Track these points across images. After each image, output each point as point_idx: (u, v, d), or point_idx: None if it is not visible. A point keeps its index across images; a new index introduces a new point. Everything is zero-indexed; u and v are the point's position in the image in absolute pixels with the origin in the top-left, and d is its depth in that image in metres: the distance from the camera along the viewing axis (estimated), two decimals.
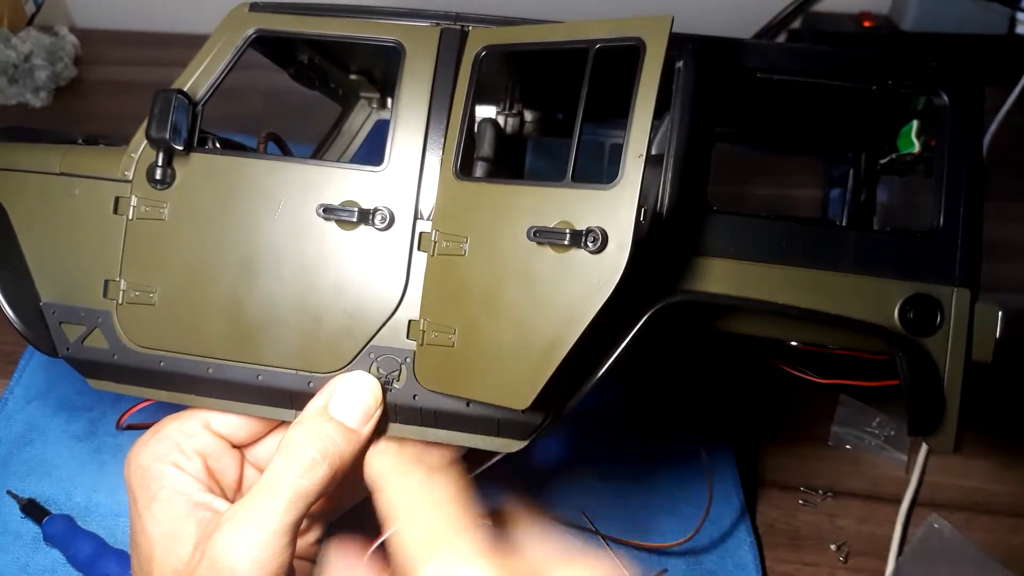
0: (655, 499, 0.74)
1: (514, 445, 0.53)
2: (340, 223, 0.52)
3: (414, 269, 0.52)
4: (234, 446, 0.57)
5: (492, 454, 0.56)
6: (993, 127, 1.11)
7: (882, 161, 0.69)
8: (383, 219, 0.52)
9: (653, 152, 0.55)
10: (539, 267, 0.46)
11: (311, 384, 0.52)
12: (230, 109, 0.63)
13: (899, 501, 0.76)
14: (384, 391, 0.52)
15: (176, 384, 0.55)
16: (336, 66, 0.72)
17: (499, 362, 0.47)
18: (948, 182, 0.52)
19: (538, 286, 0.46)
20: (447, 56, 0.53)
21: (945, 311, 0.51)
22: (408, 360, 0.52)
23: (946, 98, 0.52)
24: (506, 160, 0.75)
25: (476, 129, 0.67)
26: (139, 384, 0.56)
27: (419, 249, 0.52)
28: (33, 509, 0.70)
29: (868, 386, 0.59)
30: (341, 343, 0.52)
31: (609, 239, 0.44)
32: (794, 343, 0.58)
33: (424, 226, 0.52)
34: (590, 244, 0.44)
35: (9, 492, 0.71)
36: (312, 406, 0.51)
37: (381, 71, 0.74)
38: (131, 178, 0.54)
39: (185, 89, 0.54)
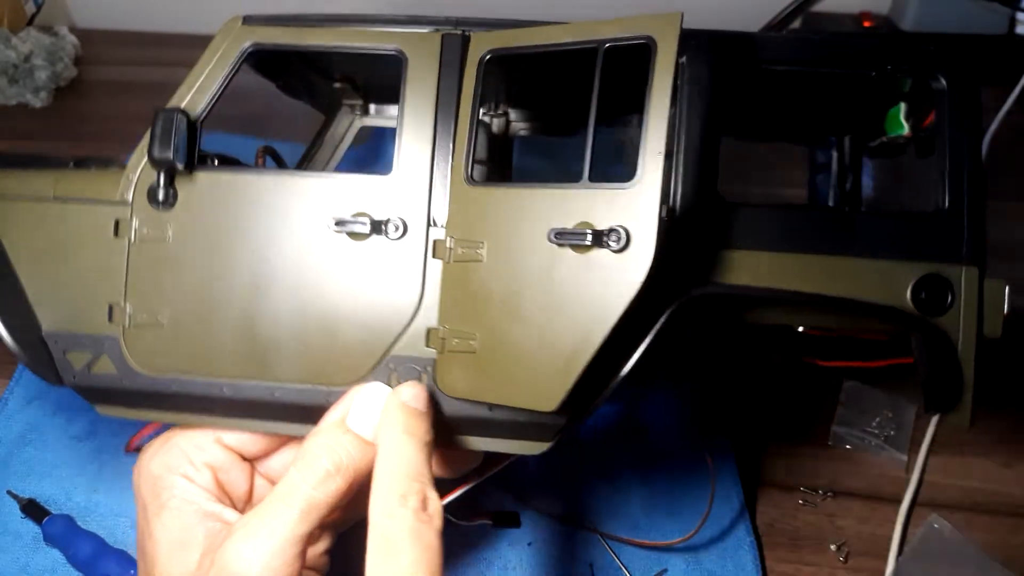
0: (655, 499, 0.74)
1: (539, 447, 0.53)
2: (352, 235, 0.52)
3: (429, 277, 0.52)
4: (245, 459, 0.56)
5: (503, 457, 0.56)
6: (993, 127, 1.09)
7: (872, 144, 0.70)
8: (396, 228, 0.52)
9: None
10: (561, 269, 0.46)
11: (329, 398, 0.52)
12: (230, 110, 0.62)
13: (899, 501, 0.75)
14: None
15: (190, 406, 0.54)
16: (321, 76, 0.72)
17: (524, 365, 0.47)
18: (951, 163, 0.53)
19: (561, 288, 0.46)
20: (450, 61, 0.53)
21: (955, 289, 0.52)
22: (428, 368, 0.51)
23: (944, 81, 0.54)
24: (499, 161, 0.75)
25: None
26: (150, 408, 0.55)
27: (434, 256, 0.52)
28: (33, 509, 0.69)
29: (878, 366, 0.60)
30: (358, 355, 0.52)
31: (632, 237, 0.44)
32: (801, 329, 0.59)
33: (437, 233, 0.52)
34: (613, 243, 0.44)
35: (9, 492, 0.70)
36: (329, 418, 0.51)
37: (364, 78, 0.73)
38: (131, 200, 0.53)
39: (183, 106, 0.53)
